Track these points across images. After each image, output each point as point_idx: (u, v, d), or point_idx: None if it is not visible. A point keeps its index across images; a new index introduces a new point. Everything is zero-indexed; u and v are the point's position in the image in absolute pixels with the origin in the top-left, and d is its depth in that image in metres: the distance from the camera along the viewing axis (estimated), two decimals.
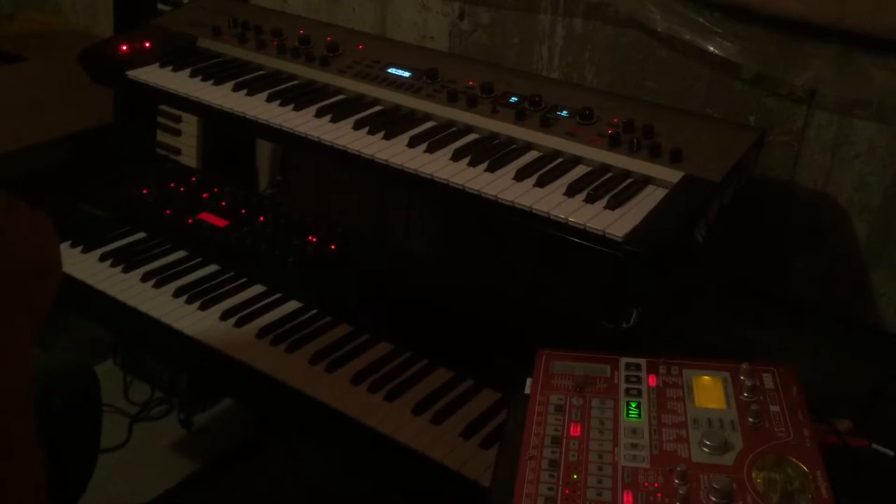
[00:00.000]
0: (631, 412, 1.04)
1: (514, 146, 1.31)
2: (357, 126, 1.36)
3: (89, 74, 1.63)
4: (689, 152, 1.22)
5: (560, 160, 1.27)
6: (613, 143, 1.26)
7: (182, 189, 1.75)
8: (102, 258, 1.55)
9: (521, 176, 1.21)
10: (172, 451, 2.05)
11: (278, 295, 1.46)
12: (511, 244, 1.58)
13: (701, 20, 1.40)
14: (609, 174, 1.23)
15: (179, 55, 1.60)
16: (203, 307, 1.42)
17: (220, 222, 1.64)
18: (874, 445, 1.13)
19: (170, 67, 1.57)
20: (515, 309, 1.41)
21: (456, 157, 1.27)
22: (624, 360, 1.13)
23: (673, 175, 1.19)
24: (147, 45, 1.65)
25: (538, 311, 1.40)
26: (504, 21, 1.68)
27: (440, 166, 1.25)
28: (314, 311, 1.42)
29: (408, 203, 1.71)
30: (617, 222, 1.10)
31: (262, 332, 1.36)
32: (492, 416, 1.20)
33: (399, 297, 1.44)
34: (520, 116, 1.33)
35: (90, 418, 1.33)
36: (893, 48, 1.26)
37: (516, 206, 1.16)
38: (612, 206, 1.14)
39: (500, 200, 1.17)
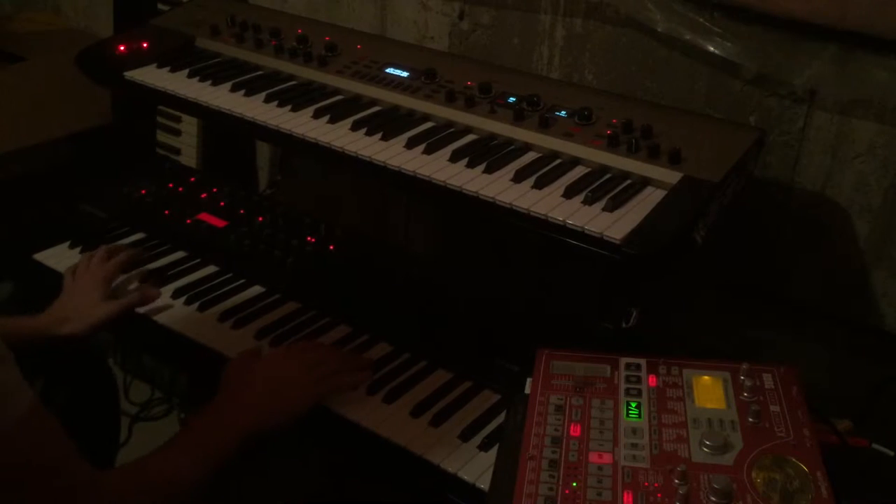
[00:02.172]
0: (631, 412, 1.04)
1: (512, 147, 1.30)
2: (355, 127, 1.35)
3: (87, 75, 1.63)
4: (688, 153, 1.21)
5: (558, 161, 1.27)
6: (612, 144, 1.25)
7: (181, 189, 1.75)
8: None
9: (519, 177, 1.21)
10: None
11: (277, 296, 1.46)
12: (510, 244, 1.57)
13: (701, 20, 1.39)
14: (608, 175, 1.22)
15: (177, 55, 1.60)
16: (202, 308, 1.42)
17: (219, 223, 1.64)
18: (874, 445, 1.13)
19: (167, 68, 1.56)
20: (515, 309, 1.41)
21: (454, 158, 1.26)
22: (624, 360, 1.13)
23: (672, 176, 1.18)
24: (144, 45, 1.65)
25: (538, 311, 1.40)
26: (504, 21, 1.68)
27: (438, 167, 1.24)
28: (313, 311, 1.42)
29: (407, 203, 1.70)
30: (615, 224, 1.10)
31: (261, 334, 1.36)
32: (491, 418, 1.20)
33: (398, 298, 1.44)
34: (518, 117, 1.33)
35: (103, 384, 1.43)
36: (893, 48, 1.26)
37: (514, 208, 1.15)
38: (610, 207, 1.13)
39: (498, 202, 1.17)
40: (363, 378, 1.24)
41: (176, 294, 1.45)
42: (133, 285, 1.47)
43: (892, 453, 1.12)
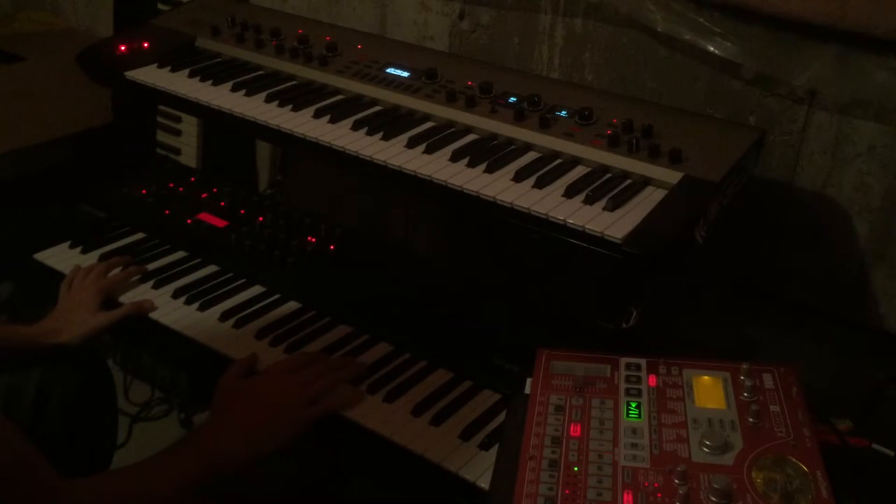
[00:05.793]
0: (631, 412, 1.04)
1: (513, 147, 1.30)
2: (356, 126, 1.36)
3: (88, 75, 1.63)
4: (688, 153, 1.21)
5: (559, 161, 1.27)
6: (613, 144, 1.25)
7: (181, 189, 1.75)
8: (102, 259, 1.55)
9: (519, 177, 1.21)
10: None
11: (277, 296, 1.46)
12: (511, 244, 1.57)
13: (701, 20, 1.39)
14: (608, 175, 1.22)
15: (178, 55, 1.60)
16: (202, 308, 1.42)
17: (220, 223, 1.64)
18: (874, 445, 1.13)
19: (168, 67, 1.56)
20: (515, 309, 1.41)
21: (455, 157, 1.26)
22: (624, 360, 1.13)
23: (672, 176, 1.19)
24: (145, 45, 1.65)
25: (538, 311, 1.40)
26: (504, 21, 1.68)
27: (439, 167, 1.24)
28: (313, 311, 1.42)
29: (407, 203, 1.70)
30: (616, 224, 1.10)
31: (261, 333, 1.36)
32: (491, 417, 1.20)
33: (398, 298, 1.44)
34: (519, 117, 1.33)
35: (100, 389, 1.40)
36: (893, 48, 1.26)
37: (515, 207, 1.16)
38: (610, 207, 1.13)
39: (498, 202, 1.17)
40: (354, 399, 1.22)
41: (176, 294, 1.45)
42: (128, 294, 1.47)
43: (892, 453, 1.12)
